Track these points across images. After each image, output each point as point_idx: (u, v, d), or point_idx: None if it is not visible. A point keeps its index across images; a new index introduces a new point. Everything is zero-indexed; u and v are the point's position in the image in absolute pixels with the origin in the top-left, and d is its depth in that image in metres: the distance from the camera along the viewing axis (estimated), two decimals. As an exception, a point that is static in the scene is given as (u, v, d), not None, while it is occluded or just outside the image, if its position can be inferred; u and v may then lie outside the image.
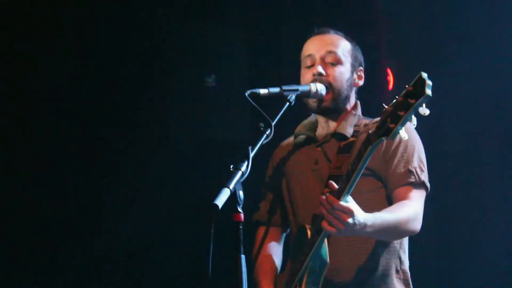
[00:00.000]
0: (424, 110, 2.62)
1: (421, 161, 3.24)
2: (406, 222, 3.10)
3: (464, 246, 4.90)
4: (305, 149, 3.46)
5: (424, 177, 3.21)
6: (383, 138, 2.75)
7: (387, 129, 2.71)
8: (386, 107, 2.74)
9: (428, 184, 3.22)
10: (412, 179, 3.18)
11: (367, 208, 2.98)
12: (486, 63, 4.80)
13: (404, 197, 3.14)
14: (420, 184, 3.19)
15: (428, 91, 2.59)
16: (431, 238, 4.61)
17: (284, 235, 3.59)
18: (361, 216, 2.90)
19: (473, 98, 4.85)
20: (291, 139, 3.58)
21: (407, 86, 2.66)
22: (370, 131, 2.82)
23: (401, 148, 3.22)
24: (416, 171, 3.19)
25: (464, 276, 4.82)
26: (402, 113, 2.65)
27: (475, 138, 4.89)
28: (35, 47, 4.93)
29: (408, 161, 3.21)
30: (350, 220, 2.86)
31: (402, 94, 2.68)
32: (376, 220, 2.97)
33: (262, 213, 3.57)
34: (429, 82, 2.60)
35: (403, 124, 2.67)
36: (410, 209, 3.12)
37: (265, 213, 3.56)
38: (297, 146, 3.50)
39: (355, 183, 2.91)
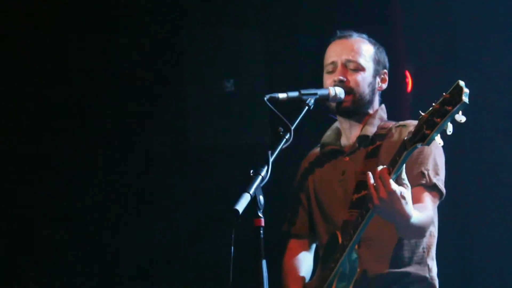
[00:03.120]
0: (461, 117, 2.66)
1: (436, 165, 3.23)
2: (426, 228, 3.13)
3: (486, 250, 4.87)
4: (332, 161, 3.46)
5: (437, 180, 3.20)
6: (419, 144, 2.77)
7: (422, 135, 2.74)
8: (422, 114, 2.76)
9: (442, 188, 3.22)
10: (423, 181, 3.18)
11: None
12: (506, 64, 4.77)
13: (417, 199, 3.12)
14: (431, 187, 3.19)
15: (465, 98, 2.63)
16: (453, 243, 4.59)
17: (314, 246, 3.59)
18: (409, 208, 2.89)
19: (493, 100, 4.82)
20: (317, 150, 3.57)
21: (444, 93, 2.69)
22: (405, 138, 2.84)
23: (417, 151, 3.20)
24: (428, 173, 3.19)
25: (486, 280, 4.80)
26: (439, 119, 2.68)
27: (495, 140, 4.85)
28: (53, 53, 4.98)
29: (422, 164, 3.21)
30: (402, 202, 2.84)
31: (438, 101, 2.71)
32: (415, 221, 2.97)
33: (291, 224, 3.57)
34: (466, 90, 2.64)
35: (439, 131, 2.70)
36: (428, 215, 3.13)
37: (293, 224, 3.56)
38: (324, 158, 3.50)
39: None
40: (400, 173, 2.88)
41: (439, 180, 3.22)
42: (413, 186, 3.10)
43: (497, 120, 4.87)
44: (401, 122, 3.38)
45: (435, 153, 3.25)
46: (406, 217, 2.90)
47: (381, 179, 2.83)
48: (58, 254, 4.93)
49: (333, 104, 3.35)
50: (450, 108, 2.65)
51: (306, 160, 3.60)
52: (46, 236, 4.90)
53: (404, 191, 2.86)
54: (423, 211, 3.10)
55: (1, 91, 4.89)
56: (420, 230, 3.12)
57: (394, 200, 2.84)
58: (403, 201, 2.85)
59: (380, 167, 2.86)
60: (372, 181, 2.86)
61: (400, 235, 3.19)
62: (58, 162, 4.96)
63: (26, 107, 4.95)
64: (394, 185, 2.83)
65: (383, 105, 3.48)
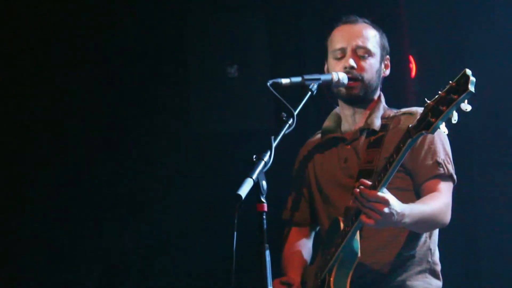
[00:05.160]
0: (466, 106, 2.66)
1: (447, 153, 3.25)
2: (439, 214, 3.14)
3: (490, 241, 4.85)
4: (333, 148, 3.44)
5: (452, 169, 3.23)
6: (423, 132, 2.78)
7: (428, 123, 2.74)
8: (428, 101, 2.76)
9: (455, 177, 3.24)
10: (441, 171, 3.20)
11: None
12: (510, 52, 4.75)
13: (433, 190, 3.17)
14: (448, 176, 3.21)
15: (471, 87, 2.62)
16: (456, 232, 4.58)
17: (313, 233, 3.59)
18: (398, 206, 2.93)
19: (497, 89, 4.79)
20: (317, 136, 3.56)
21: (450, 82, 2.69)
22: (410, 125, 2.85)
23: (427, 141, 3.23)
24: (444, 163, 3.21)
25: (490, 271, 4.80)
26: (444, 108, 2.68)
27: (500, 131, 4.83)
28: (54, 48, 4.97)
29: (436, 153, 3.22)
30: (386, 210, 2.89)
31: (444, 89, 2.71)
32: (413, 210, 3.01)
33: (290, 212, 3.57)
34: (472, 79, 2.63)
35: (444, 119, 2.71)
36: (442, 201, 3.16)
37: (293, 212, 3.56)
38: (325, 145, 3.49)
39: (391, 176, 2.94)
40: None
41: (453, 169, 3.25)
42: (429, 177, 3.18)
43: (503, 108, 4.84)
44: (405, 110, 3.36)
45: (444, 141, 3.26)
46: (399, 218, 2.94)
47: (364, 195, 2.89)
48: (62, 244, 4.94)
49: (343, 90, 3.34)
50: (456, 96, 2.65)
51: (305, 148, 3.58)
52: (48, 231, 4.91)
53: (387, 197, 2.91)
54: (435, 200, 3.13)
55: (1, 90, 4.90)
56: (438, 218, 3.14)
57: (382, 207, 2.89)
58: (386, 208, 2.88)
59: (357, 189, 2.91)
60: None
61: (419, 232, 3.23)
62: (64, 155, 4.97)
63: (26, 106, 4.95)
64: (380, 195, 2.89)
65: (381, 93, 3.46)
